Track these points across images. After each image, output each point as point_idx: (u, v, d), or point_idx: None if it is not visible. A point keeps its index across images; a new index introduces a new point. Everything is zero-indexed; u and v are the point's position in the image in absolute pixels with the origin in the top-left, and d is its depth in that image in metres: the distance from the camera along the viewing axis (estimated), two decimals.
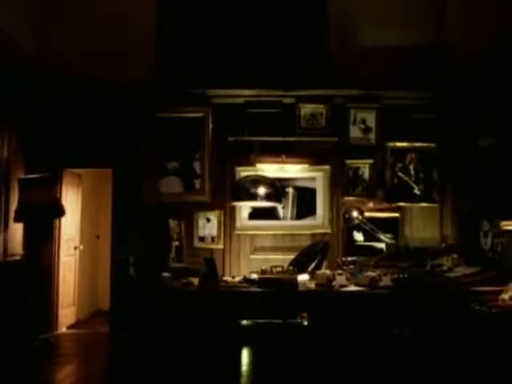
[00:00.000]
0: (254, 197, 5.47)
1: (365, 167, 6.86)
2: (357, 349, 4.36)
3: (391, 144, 6.87)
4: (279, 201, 5.87)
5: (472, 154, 6.00)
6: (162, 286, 5.07)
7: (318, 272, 4.97)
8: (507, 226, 4.55)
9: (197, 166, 6.87)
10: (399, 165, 6.88)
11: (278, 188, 5.65)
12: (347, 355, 4.38)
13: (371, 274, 4.84)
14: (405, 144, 6.88)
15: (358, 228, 6.47)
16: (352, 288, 4.71)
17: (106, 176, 7.59)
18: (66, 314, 7.48)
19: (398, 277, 5.03)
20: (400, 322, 4.49)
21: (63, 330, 7.33)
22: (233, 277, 5.41)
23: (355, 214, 5.58)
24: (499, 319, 3.80)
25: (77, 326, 7.73)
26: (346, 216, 5.67)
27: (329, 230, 6.80)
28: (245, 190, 5.53)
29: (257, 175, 5.85)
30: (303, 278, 4.84)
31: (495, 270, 4.85)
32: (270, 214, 6.84)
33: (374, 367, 4.35)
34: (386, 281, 4.71)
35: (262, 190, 5.41)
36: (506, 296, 4.00)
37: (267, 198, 5.47)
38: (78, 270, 7.96)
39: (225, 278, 5.39)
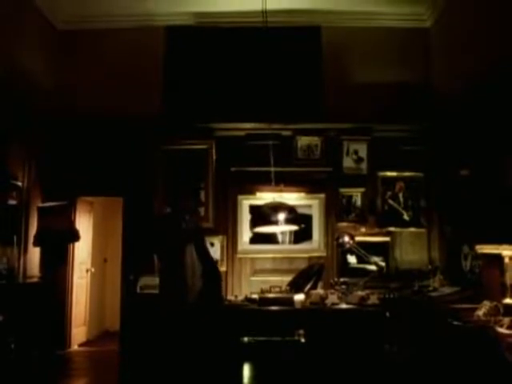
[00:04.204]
0: (274, 222, 5.42)
1: (357, 195, 7.20)
2: (348, 360, 4.75)
3: (382, 173, 7.21)
4: (298, 225, 5.88)
5: (454, 184, 6.35)
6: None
7: (313, 291, 5.28)
8: (482, 249, 4.96)
9: (201, 194, 7.18)
10: (389, 193, 7.21)
11: (296, 213, 5.62)
12: (339, 367, 4.76)
13: (360, 293, 5.17)
14: (394, 173, 7.22)
15: (352, 251, 6.72)
16: (343, 306, 5.05)
17: (114, 203, 7.89)
18: (78, 333, 7.80)
19: (388, 296, 5.46)
20: (388, 339, 4.91)
21: (75, 347, 7.65)
22: (235, 296, 5.66)
23: (346, 239, 5.86)
24: (473, 333, 4.25)
25: (87, 344, 8.04)
26: (339, 241, 6.02)
27: (324, 254, 7.12)
28: (266, 216, 5.50)
29: (277, 202, 5.67)
30: (299, 297, 5.15)
31: (473, 289, 5.28)
32: (269, 238, 7.05)
33: (363, 378, 4.76)
34: (373, 299, 5.05)
35: (281, 216, 5.34)
36: (480, 312, 4.38)
37: (287, 222, 5.44)
38: (89, 292, 8.28)
39: (228, 298, 5.69)
